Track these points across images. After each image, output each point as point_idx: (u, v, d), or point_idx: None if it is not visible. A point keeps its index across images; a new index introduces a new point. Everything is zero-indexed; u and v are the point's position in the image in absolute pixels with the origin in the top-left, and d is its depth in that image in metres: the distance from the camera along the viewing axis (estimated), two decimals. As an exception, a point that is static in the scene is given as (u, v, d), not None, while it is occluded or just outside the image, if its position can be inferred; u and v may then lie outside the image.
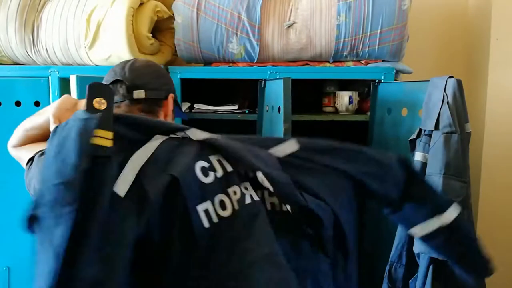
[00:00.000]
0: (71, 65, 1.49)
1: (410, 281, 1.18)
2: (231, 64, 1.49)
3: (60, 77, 1.42)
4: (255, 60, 1.44)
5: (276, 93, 1.29)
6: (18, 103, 1.45)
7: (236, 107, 1.54)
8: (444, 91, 1.10)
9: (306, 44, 1.41)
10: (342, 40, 1.38)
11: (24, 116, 1.44)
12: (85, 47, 1.39)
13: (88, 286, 0.59)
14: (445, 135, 1.06)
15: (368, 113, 1.45)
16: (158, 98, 0.93)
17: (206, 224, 0.71)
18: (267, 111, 1.39)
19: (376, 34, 1.37)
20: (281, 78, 1.21)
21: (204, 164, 0.75)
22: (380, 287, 1.26)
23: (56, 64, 1.50)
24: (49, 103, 1.42)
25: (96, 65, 1.46)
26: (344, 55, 1.42)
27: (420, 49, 1.70)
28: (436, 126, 1.09)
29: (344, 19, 1.37)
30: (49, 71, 1.43)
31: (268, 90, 1.38)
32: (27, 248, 1.58)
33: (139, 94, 0.90)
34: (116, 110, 0.78)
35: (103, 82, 0.92)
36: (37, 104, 1.44)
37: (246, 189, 0.77)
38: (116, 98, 0.89)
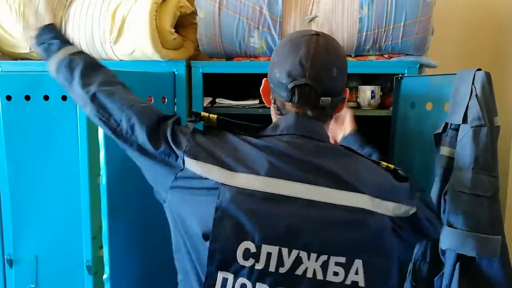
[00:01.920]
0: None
1: (435, 279, 1.15)
2: (252, 59, 1.49)
3: (86, 72, 1.46)
4: (277, 55, 1.44)
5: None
6: (46, 97, 1.49)
7: (257, 101, 1.54)
8: (472, 84, 1.08)
9: (328, 38, 1.40)
10: (364, 33, 1.36)
11: (52, 110, 1.50)
12: (110, 42, 1.42)
13: None
14: (474, 128, 1.03)
15: (391, 108, 1.43)
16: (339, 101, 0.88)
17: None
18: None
19: (400, 27, 1.35)
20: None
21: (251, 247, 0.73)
22: (403, 285, 1.24)
23: (82, 60, 1.54)
24: (75, 98, 1.46)
25: (120, 60, 1.49)
26: (367, 49, 1.41)
27: (444, 42, 1.66)
28: (464, 120, 1.07)
29: (367, 12, 1.35)
30: (76, 66, 1.47)
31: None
32: (54, 238, 1.65)
33: (326, 101, 0.83)
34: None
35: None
36: (64, 98, 1.48)
37: None
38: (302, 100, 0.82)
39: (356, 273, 0.73)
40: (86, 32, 1.45)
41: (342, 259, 0.73)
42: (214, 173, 0.78)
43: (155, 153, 0.85)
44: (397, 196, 0.81)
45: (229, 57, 1.51)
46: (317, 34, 0.86)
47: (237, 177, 0.77)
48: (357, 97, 1.52)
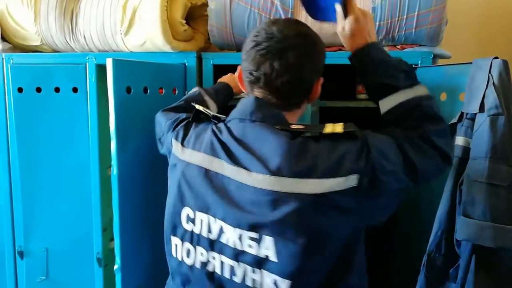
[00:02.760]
0: (107, 52, 1.53)
1: (450, 271, 1.13)
2: (263, 50, 1.48)
3: (96, 64, 1.46)
4: (288, 46, 1.43)
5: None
6: (57, 89, 1.50)
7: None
8: (489, 72, 1.06)
9: (340, 29, 1.38)
10: (377, 23, 1.35)
11: (63, 101, 1.50)
12: (121, 34, 1.42)
13: None
14: (491, 117, 1.01)
15: (404, 100, 1.41)
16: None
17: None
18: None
19: (413, 16, 1.33)
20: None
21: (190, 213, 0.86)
22: (416, 277, 1.22)
23: (93, 51, 1.54)
24: (86, 89, 1.47)
25: (131, 51, 1.49)
26: (379, 40, 1.39)
27: (458, 32, 1.64)
28: (481, 109, 1.05)
29: (380, 1, 1.33)
30: (87, 58, 1.47)
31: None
32: (65, 230, 1.65)
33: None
34: None
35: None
36: (75, 90, 1.49)
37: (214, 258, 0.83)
38: None
39: (267, 248, 0.77)
40: (97, 23, 1.45)
41: (254, 235, 0.78)
42: (177, 149, 0.93)
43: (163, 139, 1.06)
44: (334, 170, 0.76)
45: (239, 48, 1.50)
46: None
47: (185, 152, 0.90)
48: (369, 89, 1.50)
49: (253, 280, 0.79)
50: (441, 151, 0.87)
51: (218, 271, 0.83)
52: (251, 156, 0.80)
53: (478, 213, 1.01)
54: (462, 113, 1.12)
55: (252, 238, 0.78)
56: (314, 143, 0.80)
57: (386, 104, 0.94)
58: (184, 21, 1.45)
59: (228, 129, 0.86)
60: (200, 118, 0.96)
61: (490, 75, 1.06)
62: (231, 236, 0.80)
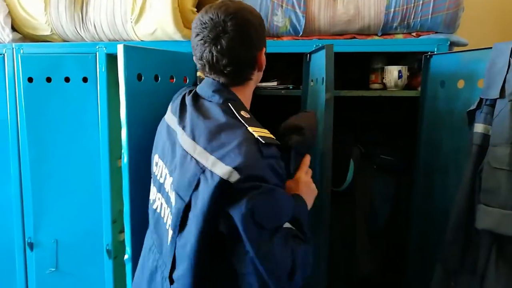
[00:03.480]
0: (118, 41, 1.51)
1: (469, 261, 1.10)
2: (275, 39, 1.46)
3: (107, 53, 1.45)
4: (300, 34, 1.41)
5: (320, 65, 1.25)
6: (67, 79, 1.49)
7: (275, 83, 1.51)
8: (510, 56, 1.02)
9: (354, 16, 1.36)
10: (392, 10, 1.32)
11: (72, 91, 1.49)
12: (131, 22, 1.40)
13: None
14: (513, 102, 0.98)
15: (419, 89, 1.38)
16: None
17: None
18: (312, 85, 1.35)
19: (429, 2, 1.30)
20: (323, 46, 1.16)
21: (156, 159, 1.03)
22: (433, 268, 1.19)
23: (103, 41, 1.53)
24: (96, 79, 1.46)
25: (141, 40, 1.47)
26: (394, 27, 1.36)
27: (474, 19, 1.60)
28: (502, 94, 1.02)
29: (395, -13, 1.31)
30: (97, 47, 1.46)
31: (313, 63, 1.34)
32: (75, 221, 1.64)
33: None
34: None
35: None
36: (85, 80, 1.48)
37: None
38: None
39: (175, 202, 0.89)
40: (108, 12, 1.44)
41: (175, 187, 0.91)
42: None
43: None
44: (220, 153, 0.83)
45: (251, 37, 1.48)
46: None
47: (166, 114, 1.06)
48: (383, 78, 1.47)
49: (167, 223, 0.95)
50: None
51: (158, 209, 1.00)
52: (190, 122, 0.92)
53: (499, 201, 0.98)
54: (481, 100, 1.09)
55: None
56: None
57: None
58: (195, 9, 1.43)
59: (193, 96, 0.99)
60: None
61: (511, 59, 1.02)
62: (167, 184, 0.95)
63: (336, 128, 1.12)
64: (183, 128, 0.93)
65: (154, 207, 1.03)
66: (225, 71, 0.92)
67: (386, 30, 1.38)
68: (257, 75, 1.00)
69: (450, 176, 1.25)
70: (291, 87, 1.49)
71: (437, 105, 1.31)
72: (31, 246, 1.62)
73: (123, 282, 1.58)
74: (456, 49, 1.43)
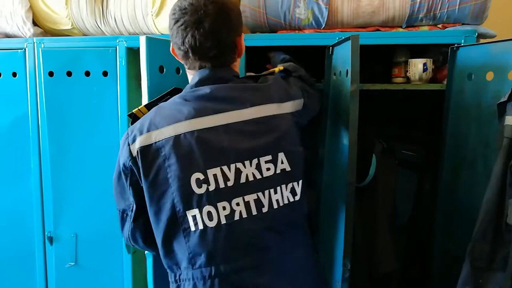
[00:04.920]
0: (138, 34, 1.51)
1: (499, 259, 1.07)
2: (297, 32, 1.43)
3: (127, 47, 1.44)
4: (323, 26, 1.38)
5: (343, 58, 1.23)
6: (87, 73, 1.49)
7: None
8: (545, 45, 0.99)
9: (378, 7, 1.33)
10: (418, 0, 1.29)
11: (93, 85, 1.49)
12: (152, 15, 1.40)
13: None
14: (547, 92, 0.95)
15: (444, 82, 1.35)
16: None
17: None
18: (334, 78, 1.33)
19: (458, -8, 1.27)
20: (349, 38, 1.14)
21: (200, 176, 0.90)
22: (460, 267, 1.16)
23: (123, 34, 1.53)
24: (116, 73, 1.46)
25: (161, 33, 1.46)
26: (420, 18, 1.33)
27: (502, 9, 1.55)
28: (536, 84, 0.98)
29: (421, -23, 1.28)
30: (117, 41, 1.45)
31: (336, 56, 1.32)
32: (94, 216, 1.64)
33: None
34: None
35: None
36: (105, 74, 1.47)
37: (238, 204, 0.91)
38: None
39: (282, 163, 0.94)
40: (128, 5, 1.43)
41: (268, 157, 0.92)
42: (161, 134, 0.92)
43: None
44: (290, 95, 1.02)
45: (273, 30, 1.46)
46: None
47: (164, 132, 0.92)
48: (406, 71, 1.44)
49: (276, 201, 0.93)
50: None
51: (245, 215, 0.91)
52: (234, 100, 0.93)
53: (533, 195, 0.94)
54: (512, 91, 1.06)
55: (267, 161, 0.92)
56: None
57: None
58: (216, 2, 1.42)
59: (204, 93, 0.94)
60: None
61: (545, 49, 0.99)
62: (249, 171, 0.91)
63: (359, 122, 1.10)
64: (242, 106, 0.93)
65: (237, 218, 0.90)
66: (210, 54, 0.93)
67: (411, 22, 1.35)
68: (237, 63, 1.02)
69: (477, 171, 1.22)
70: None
71: (464, 98, 1.27)
72: (50, 240, 1.62)
73: (141, 276, 1.58)
74: (482, 41, 1.39)
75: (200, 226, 0.90)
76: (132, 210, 1.00)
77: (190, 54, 0.93)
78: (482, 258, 1.12)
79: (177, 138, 0.90)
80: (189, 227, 0.91)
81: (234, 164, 0.90)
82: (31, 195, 1.63)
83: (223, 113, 0.92)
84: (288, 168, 0.94)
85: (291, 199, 0.96)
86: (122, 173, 0.98)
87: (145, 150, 0.91)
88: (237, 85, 0.96)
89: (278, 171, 0.93)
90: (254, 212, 0.91)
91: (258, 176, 0.91)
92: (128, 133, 0.97)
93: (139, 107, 1.04)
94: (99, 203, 1.56)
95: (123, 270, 1.57)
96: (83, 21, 1.52)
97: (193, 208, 0.90)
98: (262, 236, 0.92)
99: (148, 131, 0.92)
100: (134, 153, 0.93)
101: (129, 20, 1.46)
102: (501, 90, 1.13)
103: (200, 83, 0.95)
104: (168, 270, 0.98)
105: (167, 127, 0.91)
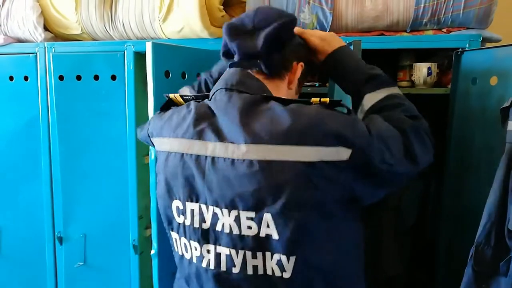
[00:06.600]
0: (145, 39, 1.54)
1: (501, 264, 1.07)
2: (301, 36, 1.45)
3: (135, 51, 1.47)
4: (327, 31, 1.39)
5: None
6: (96, 77, 1.52)
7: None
8: (548, 51, 0.99)
9: (382, 11, 1.33)
10: (422, 5, 1.29)
11: (101, 89, 1.53)
12: (159, 20, 1.42)
13: None
14: (552, 97, 0.95)
15: (449, 86, 1.35)
16: None
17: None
18: (338, 83, 1.34)
19: (462, -3, 1.27)
20: (351, 43, 1.15)
21: (180, 205, 0.80)
22: (463, 270, 1.16)
23: (131, 39, 1.56)
24: (124, 77, 1.48)
25: (168, 38, 1.49)
26: (424, 23, 1.33)
27: (507, 12, 1.54)
28: (539, 89, 0.98)
29: (426, -19, 1.28)
30: (125, 45, 1.48)
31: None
32: (103, 216, 1.67)
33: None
34: None
35: None
36: (113, 77, 1.51)
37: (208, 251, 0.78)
38: None
39: (268, 226, 0.72)
40: (136, 10, 1.46)
41: (251, 214, 0.72)
42: (161, 144, 0.86)
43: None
44: (319, 138, 0.70)
45: (277, 34, 1.48)
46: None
47: (164, 142, 0.84)
48: (411, 75, 1.45)
49: (254, 268, 0.75)
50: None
51: (212, 266, 0.78)
52: (238, 129, 0.74)
53: (535, 201, 0.94)
54: (516, 96, 1.06)
55: (249, 218, 0.73)
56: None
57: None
58: (222, 7, 1.44)
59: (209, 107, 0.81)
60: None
61: (549, 54, 0.99)
62: (226, 221, 0.74)
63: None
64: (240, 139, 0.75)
65: (204, 265, 0.79)
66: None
67: (415, 26, 1.35)
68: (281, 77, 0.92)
69: (481, 175, 1.22)
70: (317, 85, 1.48)
71: (469, 103, 1.27)
72: (60, 240, 1.66)
73: (148, 277, 1.60)
74: (488, 45, 1.39)
75: (179, 252, 0.85)
76: None
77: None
78: (485, 262, 1.12)
79: (169, 155, 0.82)
80: (173, 243, 0.88)
81: (212, 207, 0.76)
82: (42, 196, 1.67)
83: (216, 142, 0.76)
84: (275, 236, 0.72)
85: (277, 273, 0.74)
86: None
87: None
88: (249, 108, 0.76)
89: (262, 235, 0.73)
90: (223, 268, 0.77)
91: (235, 231, 0.74)
92: (149, 123, 0.95)
93: (176, 94, 0.93)
94: (108, 204, 1.59)
95: (131, 270, 1.60)
96: (92, 26, 1.55)
97: (174, 231, 0.85)
98: None
99: (158, 136, 0.89)
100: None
101: (137, 25, 1.49)
102: (505, 95, 1.13)
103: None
104: None
105: (165, 138, 0.85)
